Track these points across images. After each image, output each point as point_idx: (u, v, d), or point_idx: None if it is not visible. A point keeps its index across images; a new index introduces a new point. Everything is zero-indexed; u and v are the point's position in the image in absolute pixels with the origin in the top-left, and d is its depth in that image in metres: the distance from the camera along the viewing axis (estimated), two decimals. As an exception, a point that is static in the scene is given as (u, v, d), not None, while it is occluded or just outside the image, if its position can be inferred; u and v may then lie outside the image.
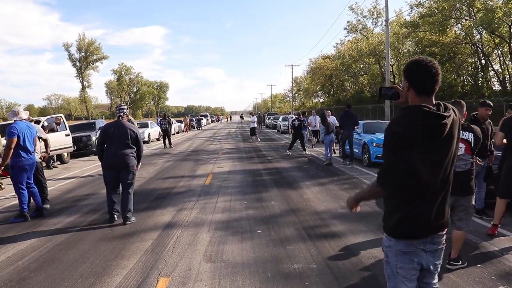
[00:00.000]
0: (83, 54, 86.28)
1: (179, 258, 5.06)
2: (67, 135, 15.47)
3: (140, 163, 7.32)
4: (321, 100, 70.42)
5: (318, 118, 20.25)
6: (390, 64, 39.34)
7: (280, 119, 39.19)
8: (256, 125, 27.21)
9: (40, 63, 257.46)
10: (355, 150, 13.94)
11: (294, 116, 33.91)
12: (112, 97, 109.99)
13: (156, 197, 8.92)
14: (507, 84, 30.88)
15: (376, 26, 46.77)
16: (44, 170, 14.38)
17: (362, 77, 50.58)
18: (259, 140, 24.83)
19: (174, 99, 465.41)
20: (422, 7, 33.87)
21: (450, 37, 33.24)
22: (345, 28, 49.78)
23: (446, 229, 2.42)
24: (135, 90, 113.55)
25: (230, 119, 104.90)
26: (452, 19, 32.26)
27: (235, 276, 4.46)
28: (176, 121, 44.69)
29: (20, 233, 6.45)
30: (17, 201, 7.44)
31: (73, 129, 18.89)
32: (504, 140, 5.85)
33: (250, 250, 5.29)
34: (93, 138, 18.30)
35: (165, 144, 22.96)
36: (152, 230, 6.36)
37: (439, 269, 2.49)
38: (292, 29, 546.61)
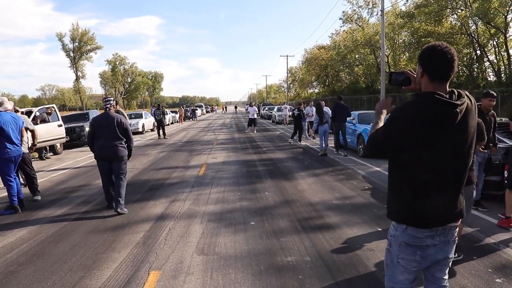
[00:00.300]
0: (76, 44, 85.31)
1: (171, 251, 4.98)
2: (60, 125, 15.28)
3: (132, 154, 7.34)
4: (316, 90, 70.29)
5: (314, 109, 20.21)
6: (386, 55, 39.24)
7: (275, 109, 39.02)
8: (255, 116, 26.27)
9: (33, 54, 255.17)
10: (349, 140, 13.97)
11: (288, 107, 33.93)
12: (107, 88, 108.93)
13: (149, 188, 8.81)
14: (502, 75, 30.83)
15: (372, 16, 46.66)
16: (37, 161, 14.35)
17: (357, 67, 50.46)
18: (255, 132, 24.65)
19: (169, 90, 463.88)
20: (418, -3, 33.70)
21: (445, 28, 33.13)
22: (340, 18, 49.48)
23: (459, 220, 2.33)
24: (129, 81, 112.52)
25: (225, 110, 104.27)
26: (448, 9, 32.12)
27: (228, 269, 4.38)
28: (171, 111, 44.47)
29: (9, 225, 6.34)
30: (6, 194, 7.31)
31: (66, 119, 18.70)
32: None
33: (243, 242, 5.21)
34: (86, 129, 18.10)
35: (159, 135, 22.80)
36: (144, 222, 6.27)
37: (449, 263, 2.41)
38: (287, 20, 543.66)
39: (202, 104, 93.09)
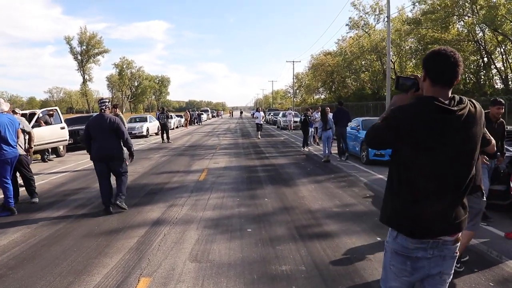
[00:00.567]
0: (84, 47, 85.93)
1: (164, 257, 4.87)
2: (62, 128, 15.28)
3: (133, 153, 7.58)
4: (322, 96, 70.17)
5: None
6: (392, 61, 39.10)
7: (280, 115, 38.93)
8: (261, 121, 26.11)
9: (42, 56, 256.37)
10: (353, 147, 13.99)
11: (293, 112, 33.81)
12: (114, 91, 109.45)
13: (147, 193, 8.73)
14: (510, 82, 30.57)
15: (378, 23, 46.49)
16: (39, 163, 14.32)
17: (363, 74, 50.31)
18: (259, 137, 24.50)
19: (176, 94, 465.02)
20: (424, 4, 33.53)
21: (452, 34, 32.95)
22: (347, 25, 49.43)
23: (456, 234, 2.20)
24: (136, 84, 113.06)
25: (232, 115, 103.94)
26: (455, 16, 31.95)
27: (220, 277, 4.26)
28: (177, 115, 44.50)
29: (4, 227, 6.27)
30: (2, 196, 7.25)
31: (70, 122, 18.74)
32: None
33: (238, 250, 5.09)
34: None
35: (163, 139, 22.74)
36: (140, 227, 6.17)
37: (447, 279, 2.27)
38: (294, 25, 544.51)
39: (208, 108, 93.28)
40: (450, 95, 2.15)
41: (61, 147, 16.12)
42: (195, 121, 50.96)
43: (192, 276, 4.30)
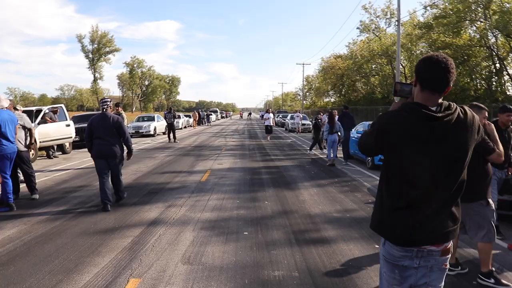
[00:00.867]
0: (95, 46, 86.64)
1: (156, 258, 4.80)
2: (68, 125, 15.34)
3: (132, 154, 7.72)
4: (332, 99, 69.73)
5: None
6: (402, 65, 38.79)
7: (288, 117, 38.79)
8: (271, 123, 25.28)
9: (54, 54, 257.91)
10: (359, 151, 13.94)
11: (301, 115, 33.64)
12: (124, 90, 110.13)
13: (148, 192, 8.68)
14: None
15: (389, 26, 45.98)
16: (44, 160, 14.37)
17: (373, 77, 49.90)
18: (268, 139, 24.27)
19: (186, 94, 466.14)
20: (436, 8, 33.17)
21: (464, 40, 32.48)
22: (357, 28, 48.93)
23: (441, 245, 2.13)
24: (146, 84, 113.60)
25: (242, 116, 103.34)
26: (467, 21, 31.52)
27: (210, 281, 4.18)
28: (185, 115, 44.57)
29: (1, 223, 6.26)
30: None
31: (78, 119, 18.80)
32: None
33: (232, 253, 5.01)
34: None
35: (169, 138, 22.75)
36: (136, 227, 6.11)
37: None
38: (305, 28, 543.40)
39: (217, 109, 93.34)
40: (441, 101, 2.10)
41: (67, 144, 16.18)
42: (204, 121, 51.00)
43: (182, 279, 4.22)
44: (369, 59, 45.00)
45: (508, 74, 32.31)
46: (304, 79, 71.24)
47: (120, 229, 5.99)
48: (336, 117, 14.23)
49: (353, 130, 14.56)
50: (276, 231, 5.99)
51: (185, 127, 40.47)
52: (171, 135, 22.65)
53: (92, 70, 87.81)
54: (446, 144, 2.05)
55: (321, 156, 16.09)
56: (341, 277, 4.36)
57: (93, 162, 7.51)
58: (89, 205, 7.51)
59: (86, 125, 18.45)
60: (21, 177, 8.23)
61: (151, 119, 29.38)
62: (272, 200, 8.06)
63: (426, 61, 2.10)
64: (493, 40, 31.59)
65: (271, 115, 25.66)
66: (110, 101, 7.65)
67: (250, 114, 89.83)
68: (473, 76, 33.55)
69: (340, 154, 14.72)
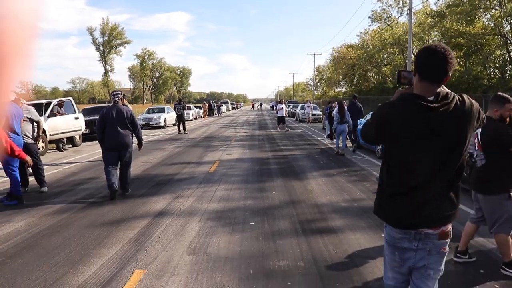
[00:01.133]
0: (106, 38, 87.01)
1: (162, 249, 4.81)
2: (77, 118, 15.43)
3: (142, 145, 7.99)
4: (343, 89, 69.21)
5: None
6: (414, 55, 38.20)
7: (299, 107, 38.60)
8: (284, 114, 24.23)
9: (66, 47, 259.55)
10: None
11: (311, 105, 33.36)
12: (135, 82, 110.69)
13: (156, 183, 8.69)
14: (537, 77, 29.54)
15: (401, 16, 45.40)
16: (55, 152, 14.50)
17: (385, 67, 49.32)
18: (286, 129, 23.77)
19: (197, 85, 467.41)
20: (449, -4, 32.58)
21: (478, 28, 31.84)
22: (369, 17, 48.33)
23: (438, 228, 2.17)
24: (157, 75, 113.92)
25: (254, 107, 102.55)
26: (481, 9, 30.89)
27: (215, 271, 4.17)
28: (195, 106, 44.61)
29: (9, 216, 6.32)
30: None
31: (88, 112, 18.92)
32: None
33: (238, 243, 4.99)
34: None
35: (179, 130, 22.80)
36: (143, 218, 6.12)
37: (432, 274, 2.25)
38: (316, 18, 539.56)
39: (228, 100, 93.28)
40: (440, 90, 2.11)
41: (77, 137, 16.30)
42: (214, 112, 51.00)
43: (187, 270, 4.22)
44: (381, 49, 44.53)
45: (522, 61, 31.69)
46: (315, 69, 70.74)
47: (127, 220, 6.01)
48: (346, 107, 14.13)
49: (362, 119, 14.48)
50: (283, 221, 5.95)
51: (195, 118, 40.52)
52: (181, 126, 22.68)
53: (103, 62, 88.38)
54: (443, 133, 2.08)
55: (331, 146, 15.99)
56: (347, 266, 4.31)
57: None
58: (97, 196, 7.55)
59: (95, 117, 18.73)
60: (30, 170, 8.29)
61: (161, 110, 29.45)
62: (280, 190, 8.02)
63: (425, 52, 2.13)
64: (508, 28, 30.94)
65: (284, 106, 24.69)
66: (121, 93, 7.84)
67: (261, 104, 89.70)
68: (487, 65, 32.97)
69: (349, 144, 14.66)
